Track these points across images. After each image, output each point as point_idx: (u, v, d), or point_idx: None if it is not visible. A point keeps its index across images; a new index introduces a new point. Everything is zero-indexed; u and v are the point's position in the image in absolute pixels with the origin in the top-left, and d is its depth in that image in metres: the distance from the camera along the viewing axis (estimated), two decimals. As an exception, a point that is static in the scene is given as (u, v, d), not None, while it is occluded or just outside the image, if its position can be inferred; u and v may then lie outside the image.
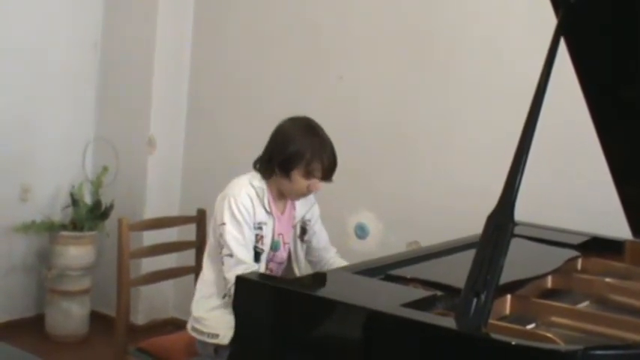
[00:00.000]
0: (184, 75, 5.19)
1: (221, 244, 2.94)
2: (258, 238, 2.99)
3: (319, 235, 3.24)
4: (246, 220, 2.94)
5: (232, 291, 2.82)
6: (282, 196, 3.08)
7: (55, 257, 4.84)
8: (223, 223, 2.93)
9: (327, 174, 2.97)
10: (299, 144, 2.93)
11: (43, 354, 4.55)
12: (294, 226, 3.14)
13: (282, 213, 3.10)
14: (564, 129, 3.62)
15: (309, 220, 3.18)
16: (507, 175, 2.14)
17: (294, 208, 3.13)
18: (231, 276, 2.84)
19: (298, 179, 2.94)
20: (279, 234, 3.08)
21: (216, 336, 2.98)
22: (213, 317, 3.01)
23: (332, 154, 2.96)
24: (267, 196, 3.01)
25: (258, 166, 3.07)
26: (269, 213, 3.02)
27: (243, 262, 2.87)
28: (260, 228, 2.98)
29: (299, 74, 4.72)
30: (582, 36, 2.46)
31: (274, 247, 3.08)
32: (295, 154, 2.92)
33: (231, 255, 2.89)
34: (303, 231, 3.16)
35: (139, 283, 3.67)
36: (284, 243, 3.12)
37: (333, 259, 3.24)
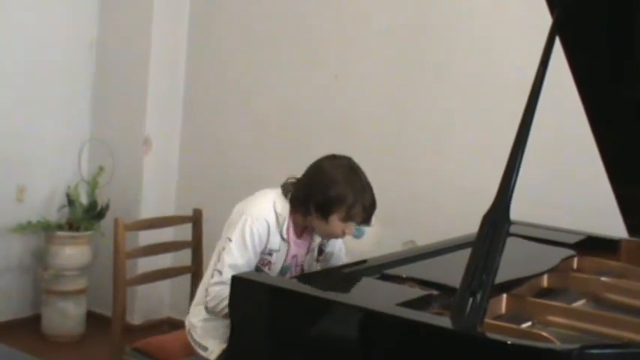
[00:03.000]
0: (180, 75, 5.18)
1: (219, 256, 2.86)
2: (266, 263, 2.88)
3: (338, 254, 3.13)
4: (255, 246, 2.81)
5: (209, 304, 2.80)
6: (305, 228, 2.94)
7: (51, 257, 4.83)
8: (229, 239, 2.81)
9: (367, 218, 2.83)
10: (341, 188, 2.76)
11: (39, 354, 4.52)
12: (312, 250, 3.03)
13: (300, 237, 2.96)
14: (559, 128, 3.63)
15: (327, 242, 3.07)
16: (503, 175, 2.14)
17: (312, 234, 3.00)
18: (211, 290, 2.79)
19: (336, 223, 2.80)
20: (293, 256, 2.96)
21: (205, 348, 2.95)
22: (204, 328, 2.96)
23: (373, 198, 2.81)
24: (286, 223, 2.88)
25: (290, 198, 2.89)
26: (284, 240, 2.90)
27: (226, 283, 2.69)
28: (270, 254, 2.87)
29: (294, 74, 4.72)
30: (578, 35, 2.46)
31: (284, 271, 2.97)
32: (337, 198, 2.75)
33: (220, 272, 2.79)
34: (320, 252, 3.06)
35: (135, 283, 3.66)
36: (296, 265, 3.00)
37: None
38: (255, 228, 2.80)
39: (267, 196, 2.91)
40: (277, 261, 2.90)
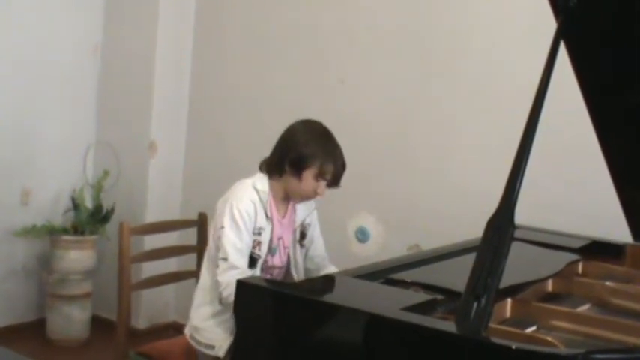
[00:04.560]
0: (185, 79, 5.19)
1: (218, 247, 2.94)
2: (256, 244, 2.98)
3: (317, 242, 3.24)
4: (247, 225, 2.94)
5: (224, 294, 2.87)
6: (285, 198, 3.07)
7: (56, 261, 4.84)
8: (222, 227, 2.93)
9: (338, 178, 2.99)
10: (314, 145, 2.94)
11: (43, 358, 4.56)
12: (294, 231, 3.14)
13: (283, 217, 3.10)
14: (564, 132, 3.63)
15: (309, 225, 3.18)
16: (507, 179, 2.14)
17: (294, 212, 3.13)
18: (222, 279, 2.88)
19: (309, 180, 2.95)
20: (278, 238, 3.07)
21: (212, 347, 2.99)
22: (208, 327, 3.01)
23: (343, 159, 3.00)
24: (269, 201, 3.01)
25: (265, 166, 3.06)
26: (269, 218, 3.02)
27: (236, 267, 2.88)
28: (259, 234, 2.99)
29: (300, 78, 4.72)
30: (582, 40, 2.46)
31: (272, 252, 3.07)
32: (310, 154, 2.93)
33: (225, 259, 2.89)
34: (302, 235, 3.16)
35: (140, 287, 3.67)
36: (284, 247, 3.11)
37: (329, 267, 3.24)
38: (242, 207, 2.95)
39: (244, 182, 3.06)
40: (264, 240, 3.01)
